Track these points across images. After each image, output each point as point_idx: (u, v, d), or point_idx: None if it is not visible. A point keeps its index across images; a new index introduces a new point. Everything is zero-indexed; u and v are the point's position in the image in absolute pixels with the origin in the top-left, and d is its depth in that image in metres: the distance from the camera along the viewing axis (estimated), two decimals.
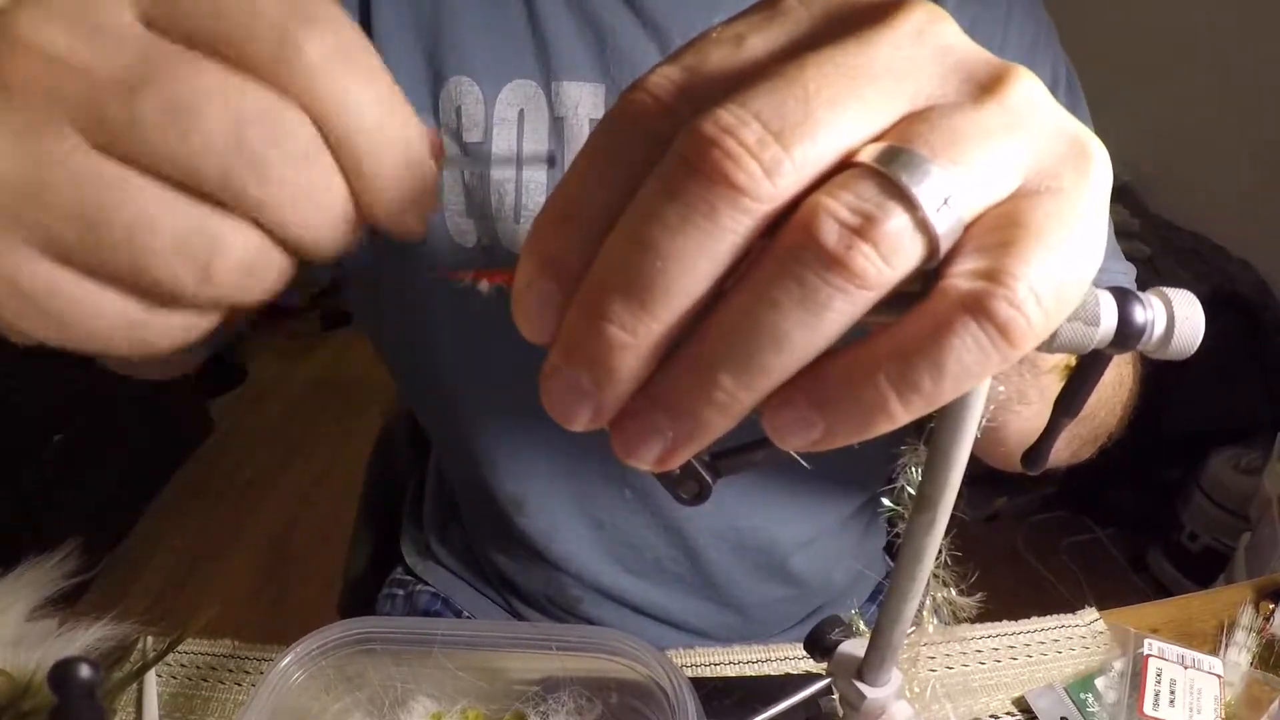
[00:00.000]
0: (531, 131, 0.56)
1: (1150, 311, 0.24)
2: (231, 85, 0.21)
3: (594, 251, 0.19)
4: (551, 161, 0.24)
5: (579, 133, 0.56)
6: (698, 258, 0.18)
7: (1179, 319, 0.24)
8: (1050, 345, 0.24)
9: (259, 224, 0.22)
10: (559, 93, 0.56)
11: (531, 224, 0.20)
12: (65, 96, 0.21)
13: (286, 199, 0.22)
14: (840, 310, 0.18)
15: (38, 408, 1.72)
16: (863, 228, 0.17)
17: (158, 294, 0.22)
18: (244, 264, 0.22)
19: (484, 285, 0.26)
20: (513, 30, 0.57)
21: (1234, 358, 1.77)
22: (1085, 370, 0.29)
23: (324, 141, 0.22)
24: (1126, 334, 0.24)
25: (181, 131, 0.20)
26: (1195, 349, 0.25)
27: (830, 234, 0.17)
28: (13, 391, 1.66)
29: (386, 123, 0.23)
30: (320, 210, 0.23)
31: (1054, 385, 0.45)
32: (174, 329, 0.23)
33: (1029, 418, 0.52)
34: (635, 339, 0.18)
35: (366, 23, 0.58)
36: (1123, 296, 0.24)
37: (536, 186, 0.56)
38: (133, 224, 0.21)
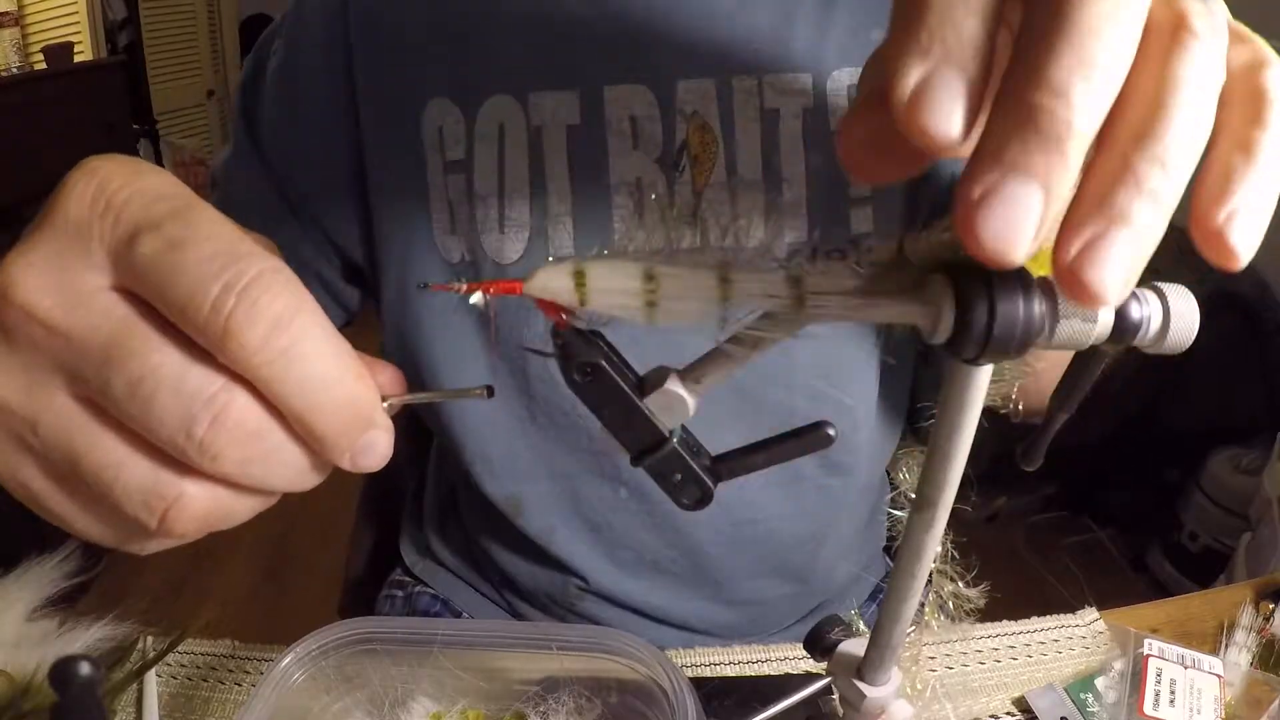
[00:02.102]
0: (511, 146, 0.57)
1: (1146, 307, 0.24)
2: (180, 369, 0.23)
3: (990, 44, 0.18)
4: (490, 393, 0.25)
5: (558, 141, 0.57)
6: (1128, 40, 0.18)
7: (1174, 314, 0.24)
8: (1049, 342, 0.24)
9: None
10: (535, 104, 0.57)
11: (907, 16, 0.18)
12: (50, 352, 0.23)
13: (237, 469, 0.24)
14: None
15: None
16: None
17: (126, 526, 0.25)
18: (201, 514, 0.24)
19: (476, 297, 0.26)
20: (483, 45, 0.58)
21: (1234, 358, 1.77)
22: (1082, 366, 0.29)
23: (275, 413, 0.24)
24: (1123, 329, 0.24)
25: (141, 406, 0.23)
26: (1190, 344, 0.25)
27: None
28: None
29: (333, 388, 0.24)
30: (275, 472, 0.25)
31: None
32: (152, 546, 0.26)
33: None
34: (1087, 132, 0.18)
35: (347, 52, 0.59)
36: None
37: (520, 199, 0.57)
38: (100, 469, 0.24)
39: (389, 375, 0.28)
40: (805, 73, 0.57)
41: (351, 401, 0.25)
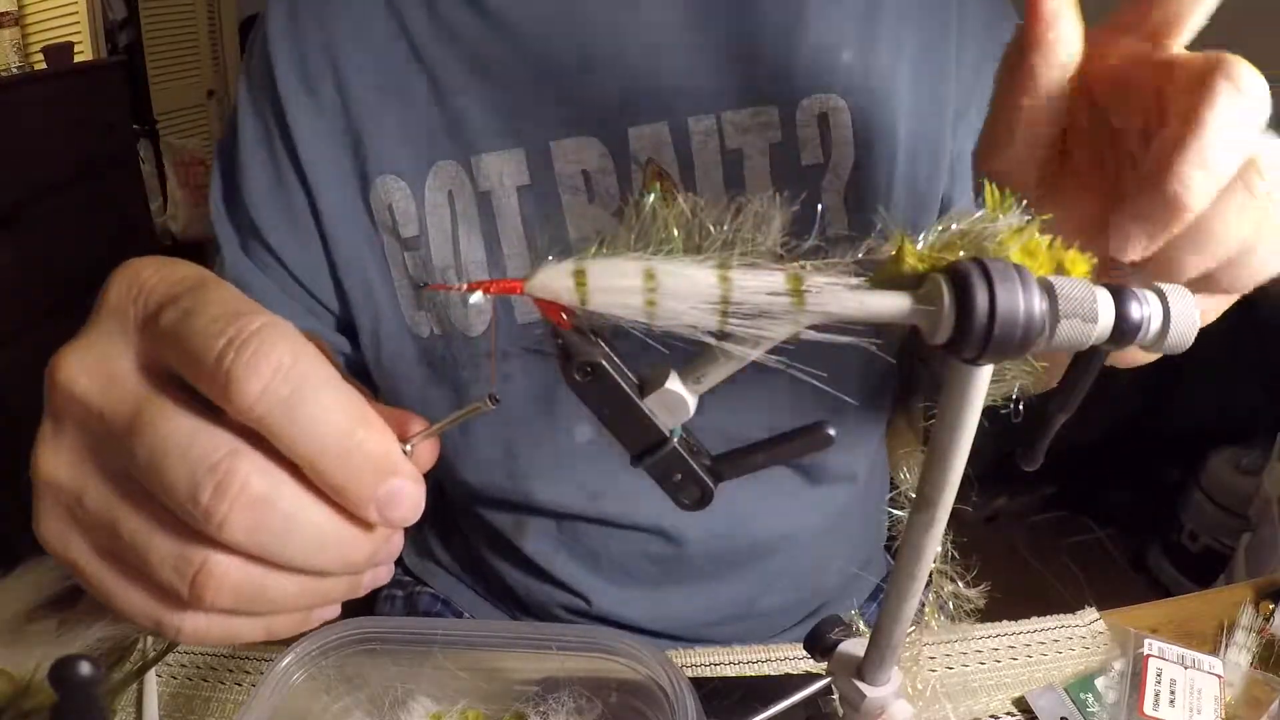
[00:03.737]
0: (463, 212, 0.55)
1: (1146, 307, 0.24)
2: (189, 436, 0.24)
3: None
4: (495, 400, 0.25)
5: (508, 203, 0.55)
6: None
7: (1175, 314, 0.24)
8: (1049, 342, 0.24)
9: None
10: (479, 167, 0.55)
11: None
12: (90, 429, 0.25)
13: (246, 537, 0.24)
14: None
15: (38, 408, 1.71)
16: None
17: (163, 598, 0.25)
18: (232, 585, 0.24)
19: (476, 297, 0.26)
20: (422, 112, 0.55)
21: (1234, 358, 1.77)
22: (1082, 366, 0.29)
23: (289, 469, 0.24)
24: (1123, 329, 0.24)
25: (156, 475, 0.24)
26: (1190, 343, 0.25)
27: None
28: (13, 391, 1.66)
29: (341, 435, 0.24)
30: (292, 542, 0.24)
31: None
32: (189, 623, 0.26)
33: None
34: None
35: (287, 136, 0.56)
36: (1119, 293, 0.24)
37: (477, 267, 0.55)
38: (134, 536, 0.25)
39: (418, 425, 0.28)
40: (771, 105, 0.54)
41: (361, 446, 0.24)
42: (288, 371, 0.23)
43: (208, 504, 0.23)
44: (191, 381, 0.24)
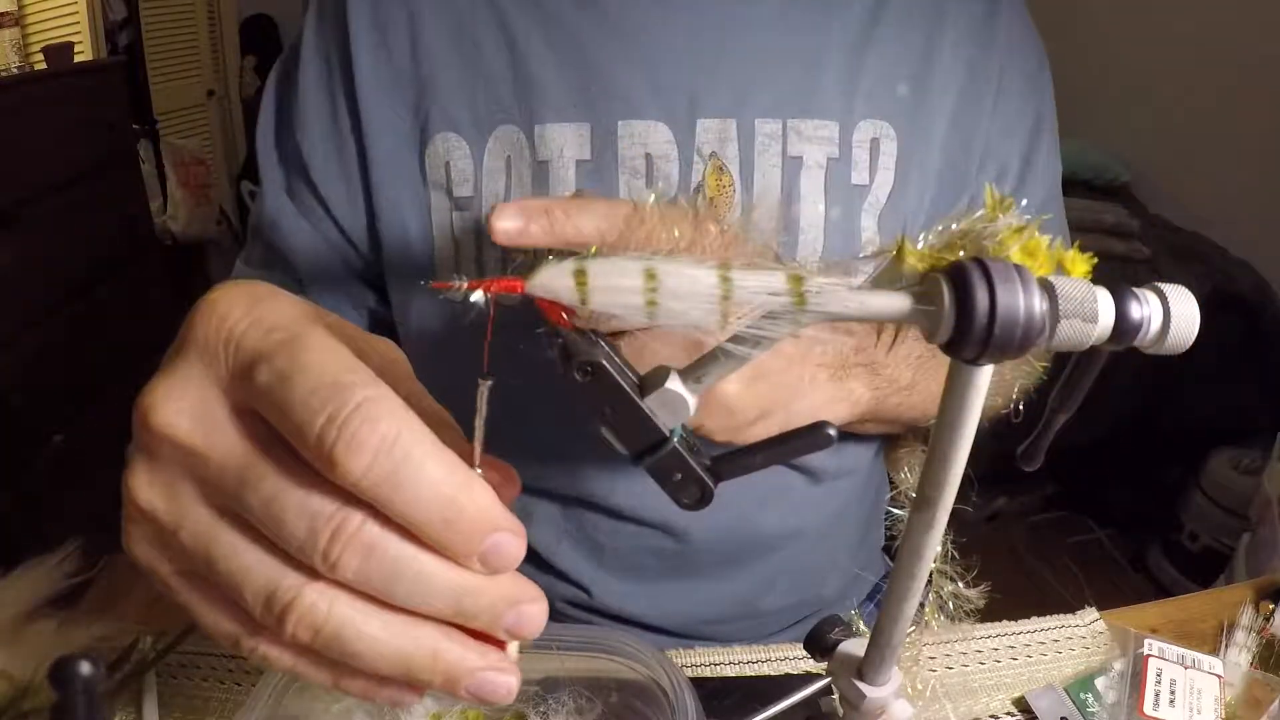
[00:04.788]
0: (518, 180, 0.55)
1: (1146, 307, 0.24)
2: (304, 492, 0.25)
3: None
4: (488, 377, 0.26)
5: (564, 177, 0.55)
6: None
7: (1174, 314, 0.24)
8: (1049, 342, 0.24)
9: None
10: (542, 136, 0.55)
11: None
12: (189, 468, 0.26)
13: (355, 576, 0.25)
14: None
15: (38, 408, 1.72)
16: None
17: (248, 624, 0.27)
18: (316, 621, 0.25)
19: (477, 295, 0.26)
20: (494, 73, 0.56)
21: (1234, 358, 1.77)
22: (1082, 366, 0.29)
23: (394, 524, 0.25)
24: (1123, 330, 0.24)
25: (274, 522, 0.25)
26: (1190, 344, 0.25)
27: None
28: (13, 391, 1.66)
29: (443, 505, 0.25)
30: (400, 585, 0.25)
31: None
32: (264, 650, 0.27)
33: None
34: None
35: (349, 79, 0.57)
36: (1119, 293, 0.24)
37: None
38: (231, 571, 0.26)
39: (503, 473, 0.29)
40: (832, 121, 0.55)
41: (464, 512, 0.25)
42: (390, 449, 0.24)
43: (324, 548, 0.25)
44: (295, 447, 0.25)
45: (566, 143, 0.55)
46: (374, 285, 0.64)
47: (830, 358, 0.47)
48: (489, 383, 0.27)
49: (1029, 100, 0.62)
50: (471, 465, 0.27)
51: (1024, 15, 0.62)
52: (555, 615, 0.69)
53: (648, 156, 0.55)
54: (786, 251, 0.55)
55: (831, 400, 0.48)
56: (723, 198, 0.55)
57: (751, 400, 0.43)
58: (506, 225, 0.40)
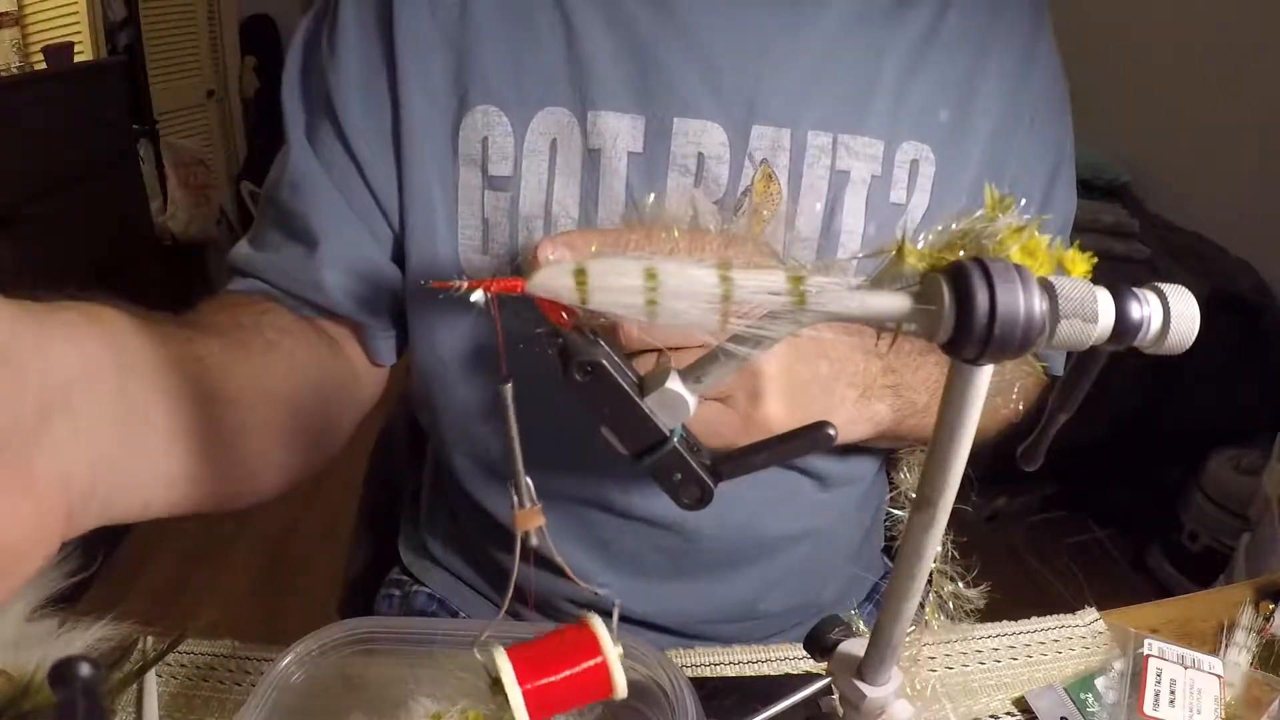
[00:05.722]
0: (564, 165, 0.54)
1: (1146, 307, 0.24)
2: None
3: None
4: (506, 380, 0.26)
5: (616, 167, 0.54)
6: None
7: (1174, 314, 0.24)
8: (1049, 342, 0.24)
9: None
10: (595, 123, 0.53)
11: None
12: None
13: None
14: None
15: None
16: None
17: None
18: None
19: (477, 294, 0.26)
20: (545, 51, 0.54)
21: (1234, 358, 1.77)
22: (1083, 366, 0.29)
23: None
24: (1123, 330, 0.24)
25: None
26: (1190, 343, 0.25)
27: None
28: None
29: None
30: None
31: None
32: None
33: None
34: None
35: (388, 32, 0.54)
36: (1119, 293, 0.24)
37: (568, 222, 0.54)
38: None
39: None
40: (879, 139, 0.56)
41: None
42: None
43: None
44: None
45: (621, 133, 0.54)
46: (396, 261, 0.61)
47: (861, 379, 0.48)
48: (508, 385, 0.27)
49: (1055, 135, 0.63)
50: (515, 466, 0.28)
51: (1055, 52, 0.63)
52: (557, 613, 0.70)
53: (700, 156, 0.54)
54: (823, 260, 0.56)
55: (856, 420, 0.49)
56: (767, 204, 0.55)
57: (793, 422, 0.43)
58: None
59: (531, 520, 0.28)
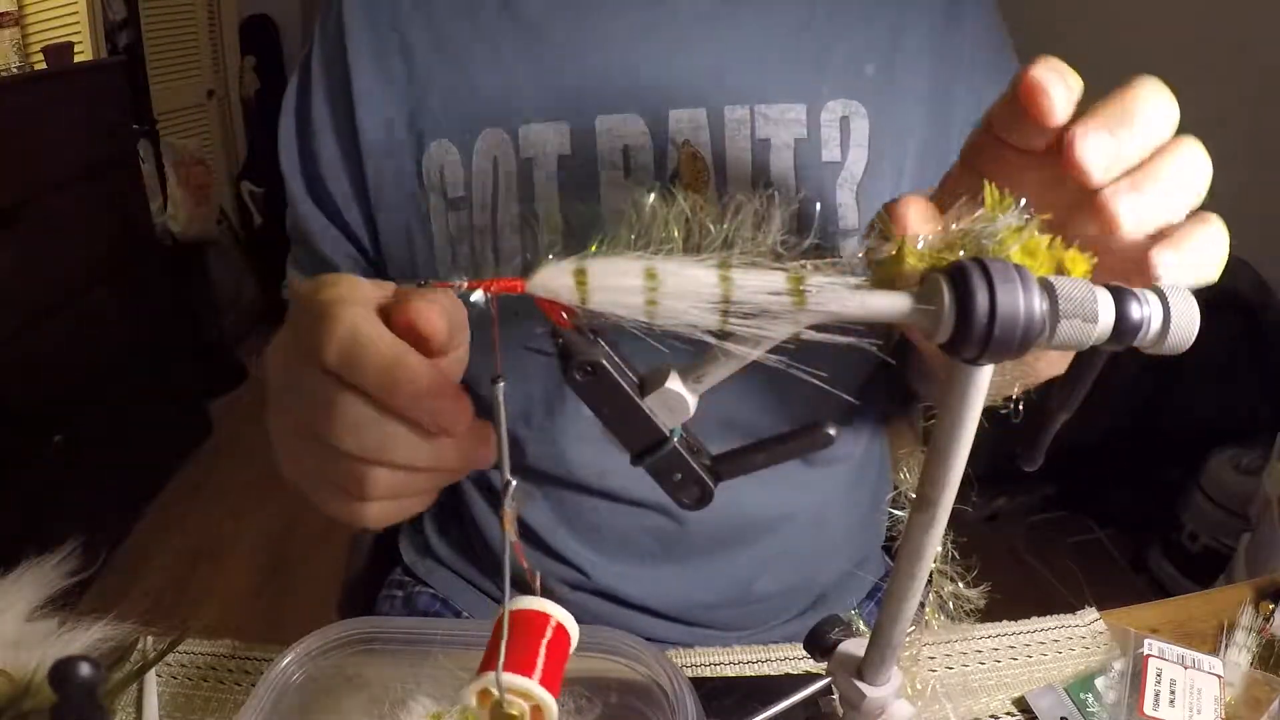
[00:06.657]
0: (504, 178, 0.58)
1: (1147, 307, 0.24)
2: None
3: None
4: (497, 380, 0.29)
5: (547, 172, 0.58)
6: None
7: (1175, 314, 0.24)
8: (1049, 342, 0.24)
9: None
10: (526, 135, 0.58)
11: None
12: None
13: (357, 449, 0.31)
14: None
15: (38, 408, 1.72)
16: None
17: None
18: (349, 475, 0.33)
19: (477, 294, 0.26)
20: (480, 84, 0.59)
21: (1234, 358, 1.77)
22: (1083, 366, 0.29)
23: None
24: (1124, 330, 0.24)
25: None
26: (1191, 343, 0.25)
27: None
28: (13, 391, 1.66)
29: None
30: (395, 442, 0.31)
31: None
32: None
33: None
34: None
35: (347, 93, 0.61)
36: (1120, 293, 0.24)
37: (511, 230, 0.59)
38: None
39: (479, 432, 0.32)
40: (799, 104, 0.58)
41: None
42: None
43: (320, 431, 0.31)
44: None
45: (548, 140, 0.58)
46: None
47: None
48: (503, 384, 0.27)
49: (998, 77, 0.63)
50: (499, 458, 0.29)
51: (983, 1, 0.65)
52: (553, 597, 0.70)
53: (625, 149, 0.58)
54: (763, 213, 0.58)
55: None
56: (697, 183, 0.58)
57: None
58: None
59: (507, 519, 0.29)
